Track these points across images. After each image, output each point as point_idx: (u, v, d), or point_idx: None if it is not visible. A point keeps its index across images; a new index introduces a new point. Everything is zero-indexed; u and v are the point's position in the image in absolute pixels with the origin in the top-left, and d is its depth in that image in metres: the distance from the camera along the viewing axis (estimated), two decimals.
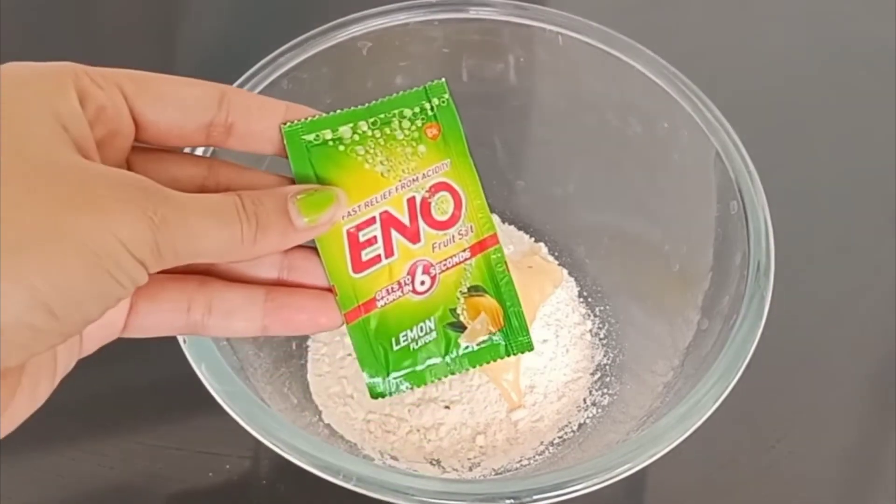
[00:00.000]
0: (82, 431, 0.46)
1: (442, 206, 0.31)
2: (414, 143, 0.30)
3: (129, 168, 0.28)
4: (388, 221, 0.30)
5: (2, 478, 0.44)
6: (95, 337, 0.28)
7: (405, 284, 0.31)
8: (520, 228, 0.52)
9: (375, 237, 0.30)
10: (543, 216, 0.52)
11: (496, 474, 0.44)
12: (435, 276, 0.31)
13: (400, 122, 0.30)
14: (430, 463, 0.44)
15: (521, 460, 0.44)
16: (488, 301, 0.31)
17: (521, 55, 0.48)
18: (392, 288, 0.30)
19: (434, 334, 0.31)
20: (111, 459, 0.45)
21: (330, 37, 0.44)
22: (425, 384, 0.31)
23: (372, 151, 0.30)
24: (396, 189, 0.30)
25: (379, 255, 0.30)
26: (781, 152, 0.57)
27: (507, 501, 0.34)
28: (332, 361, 0.46)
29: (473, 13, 0.46)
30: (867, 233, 0.56)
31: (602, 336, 0.49)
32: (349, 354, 0.46)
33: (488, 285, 0.31)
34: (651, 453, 0.35)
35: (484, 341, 0.32)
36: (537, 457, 0.44)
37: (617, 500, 0.46)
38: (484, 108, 0.48)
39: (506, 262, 0.32)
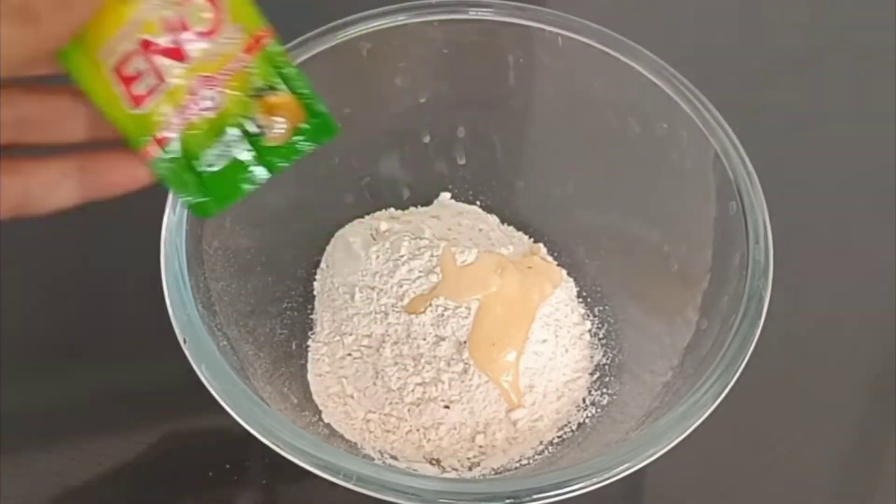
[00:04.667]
0: (82, 431, 0.46)
1: (196, 15, 0.29)
2: None
3: None
4: (149, 48, 0.28)
5: (2, 478, 0.44)
6: None
7: (192, 105, 0.29)
8: (519, 228, 0.52)
9: (141, 69, 0.28)
10: (543, 216, 0.52)
11: (496, 474, 0.44)
12: (220, 88, 0.30)
13: None
14: (430, 462, 0.44)
15: (520, 460, 0.44)
16: (282, 97, 0.30)
17: (520, 56, 0.48)
18: (179, 112, 0.29)
19: (238, 145, 0.30)
20: (111, 459, 0.45)
21: (330, 37, 0.44)
22: (246, 195, 0.31)
23: None
24: (145, 12, 0.28)
25: (153, 85, 0.29)
26: (780, 153, 0.57)
27: (507, 501, 0.34)
28: (332, 361, 0.46)
29: (473, 14, 0.46)
30: (867, 233, 0.56)
31: (601, 336, 0.49)
32: (349, 354, 0.46)
33: (276, 82, 0.30)
34: (650, 453, 0.35)
35: (291, 136, 0.31)
36: (537, 456, 0.44)
37: (616, 500, 0.46)
38: (484, 109, 0.48)
39: (286, 53, 0.30)
